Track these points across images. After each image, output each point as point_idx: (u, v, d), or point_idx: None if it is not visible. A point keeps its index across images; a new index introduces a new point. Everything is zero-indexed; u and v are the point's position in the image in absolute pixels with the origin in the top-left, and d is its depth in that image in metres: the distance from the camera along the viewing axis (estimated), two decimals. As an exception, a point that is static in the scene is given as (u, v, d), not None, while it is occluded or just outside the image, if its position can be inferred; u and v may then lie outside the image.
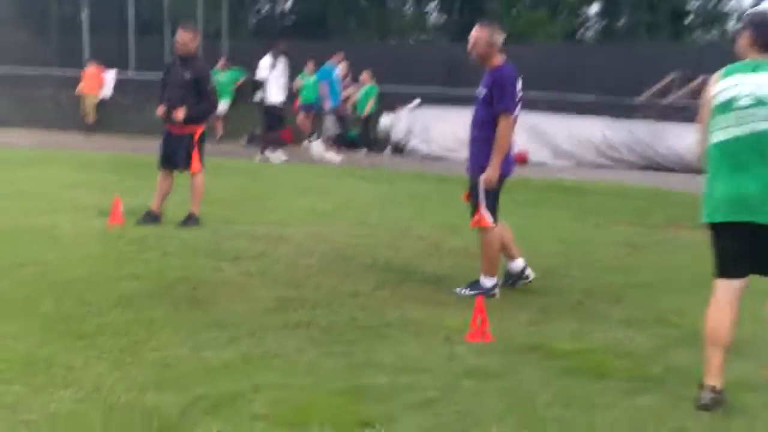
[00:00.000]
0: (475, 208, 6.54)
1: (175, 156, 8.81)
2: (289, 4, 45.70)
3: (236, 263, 7.20)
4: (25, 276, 6.47)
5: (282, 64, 16.74)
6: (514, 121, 6.45)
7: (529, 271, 6.85)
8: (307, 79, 20.49)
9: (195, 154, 8.81)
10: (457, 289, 6.56)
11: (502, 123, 6.29)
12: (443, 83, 23.61)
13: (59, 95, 23.31)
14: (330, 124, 18.44)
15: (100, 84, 21.68)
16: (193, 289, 6.24)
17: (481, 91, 6.44)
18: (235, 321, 5.52)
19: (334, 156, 17.26)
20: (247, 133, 20.62)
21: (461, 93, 21.70)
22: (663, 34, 36.66)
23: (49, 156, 15.29)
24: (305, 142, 20.53)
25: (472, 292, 6.38)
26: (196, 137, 8.81)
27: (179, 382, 4.38)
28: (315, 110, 20.56)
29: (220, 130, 20.99)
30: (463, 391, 4.46)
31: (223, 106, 21.01)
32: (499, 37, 6.46)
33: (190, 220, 8.78)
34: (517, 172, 15.77)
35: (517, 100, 6.38)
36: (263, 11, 47.45)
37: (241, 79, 21.34)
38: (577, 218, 10.88)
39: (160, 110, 8.78)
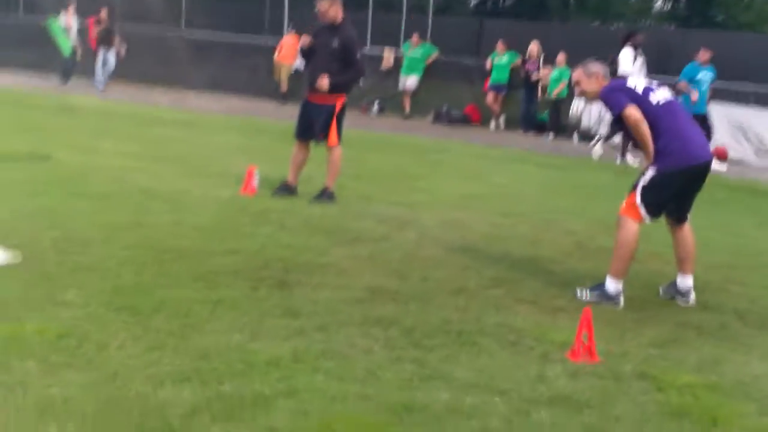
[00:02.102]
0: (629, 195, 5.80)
1: (313, 127, 8.36)
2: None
3: (350, 246, 6.66)
4: (129, 240, 6.20)
5: (642, 58, 14.63)
6: (666, 110, 5.71)
7: (692, 296, 5.95)
8: (499, 59, 19.75)
9: (333, 127, 8.32)
10: (578, 290, 5.78)
11: (628, 123, 5.66)
12: (655, 70, 22.13)
13: (258, 63, 23.64)
14: None
15: (296, 54, 21.64)
16: (286, 271, 5.75)
17: None
18: (313, 310, 4.97)
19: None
20: (434, 109, 20.09)
21: (670, 81, 20.29)
22: None
23: (227, 122, 15.34)
24: (492, 124, 19.85)
25: (594, 297, 5.67)
26: (337, 109, 8.31)
27: (209, 375, 3.87)
28: (504, 91, 19.77)
29: (407, 106, 20.57)
30: (533, 424, 3.71)
31: (412, 81, 20.60)
32: (594, 67, 5.93)
33: (324, 195, 8.32)
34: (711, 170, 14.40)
35: (638, 97, 5.67)
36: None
37: (433, 56, 20.76)
38: (764, 225, 9.61)
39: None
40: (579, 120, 17.87)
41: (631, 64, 14.19)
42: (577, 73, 5.99)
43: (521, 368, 4.36)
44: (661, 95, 5.76)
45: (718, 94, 18.62)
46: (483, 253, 6.84)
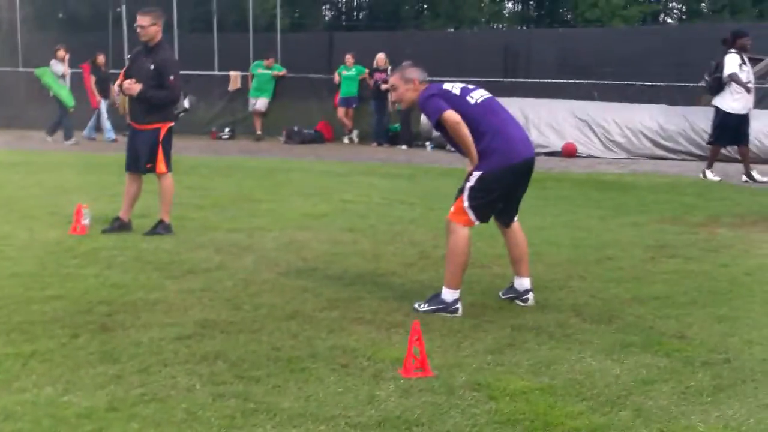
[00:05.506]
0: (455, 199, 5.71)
1: (140, 156, 8.05)
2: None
3: (182, 279, 6.40)
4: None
5: (749, 65, 12.86)
6: (485, 109, 5.67)
7: (530, 297, 5.95)
8: (348, 71, 19.73)
9: (160, 155, 8.01)
10: (416, 304, 5.69)
11: (447, 126, 5.57)
12: (503, 73, 22.52)
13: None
14: None
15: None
16: (110, 313, 5.45)
17: None
18: (135, 353, 4.70)
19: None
20: (285, 129, 19.94)
21: (520, 82, 20.70)
22: (746, 16, 35.09)
23: (63, 160, 14.78)
24: (345, 139, 19.83)
25: (431, 308, 5.60)
26: (162, 135, 8.02)
27: (9, 439, 3.58)
28: (354, 104, 19.78)
29: (259, 128, 20.35)
30: (359, 450, 3.57)
31: (262, 103, 20.39)
32: (413, 72, 5.80)
33: (159, 227, 8.00)
34: (559, 165, 14.77)
35: (456, 100, 5.60)
36: (340, 4, 46.90)
37: (280, 73, 20.65)
38: (608, 217, 9.77)
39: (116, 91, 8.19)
40: (431, 128, 17.98)
41: (738, 71, 12.77)
42: (394, 78, 5.88)
43: (351, 391, 4.21)
44: (478, 95, 5.70)
45: (563, 90, 19.17)
46: (322, 273, 6.68)
